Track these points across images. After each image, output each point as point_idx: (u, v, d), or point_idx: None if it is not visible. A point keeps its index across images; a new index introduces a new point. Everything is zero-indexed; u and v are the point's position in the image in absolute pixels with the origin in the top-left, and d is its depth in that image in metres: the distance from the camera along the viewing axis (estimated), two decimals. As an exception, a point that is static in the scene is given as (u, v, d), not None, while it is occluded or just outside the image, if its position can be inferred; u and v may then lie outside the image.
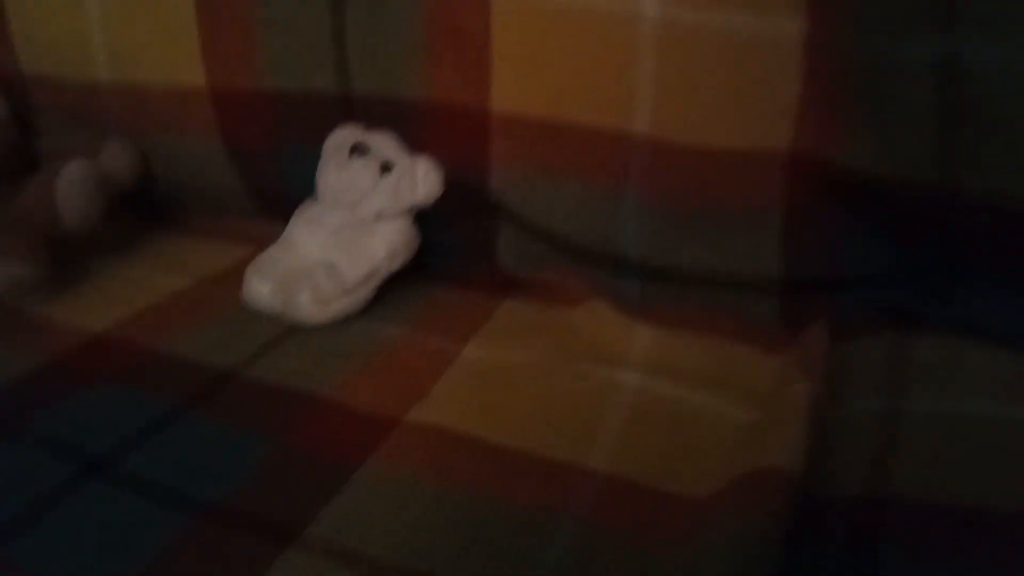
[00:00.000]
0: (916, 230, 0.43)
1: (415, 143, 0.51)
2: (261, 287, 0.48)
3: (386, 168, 0.49)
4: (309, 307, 0.46)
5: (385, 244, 0.49)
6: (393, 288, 0.50)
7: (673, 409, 0.40)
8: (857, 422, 0.37)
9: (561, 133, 0.48)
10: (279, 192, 0.58)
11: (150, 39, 0.57)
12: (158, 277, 0.54)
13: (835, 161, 0.43)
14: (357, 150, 0.49)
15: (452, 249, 0.54)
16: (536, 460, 0.36)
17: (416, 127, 0.51)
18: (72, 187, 0.53)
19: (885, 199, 0.43)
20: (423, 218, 0.52)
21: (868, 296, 0.46)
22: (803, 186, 0.44)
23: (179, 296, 0.52)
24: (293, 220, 0.52)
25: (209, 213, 0.64)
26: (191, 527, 0.32)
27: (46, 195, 0.52)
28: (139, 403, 0.40)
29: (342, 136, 0.52)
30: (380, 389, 0.41)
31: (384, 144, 0.50)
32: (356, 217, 0.49)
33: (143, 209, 0.65)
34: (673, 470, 0.36)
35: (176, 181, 0.62)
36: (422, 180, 0.49)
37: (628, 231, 0.48)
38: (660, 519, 0.33)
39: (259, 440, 0.37)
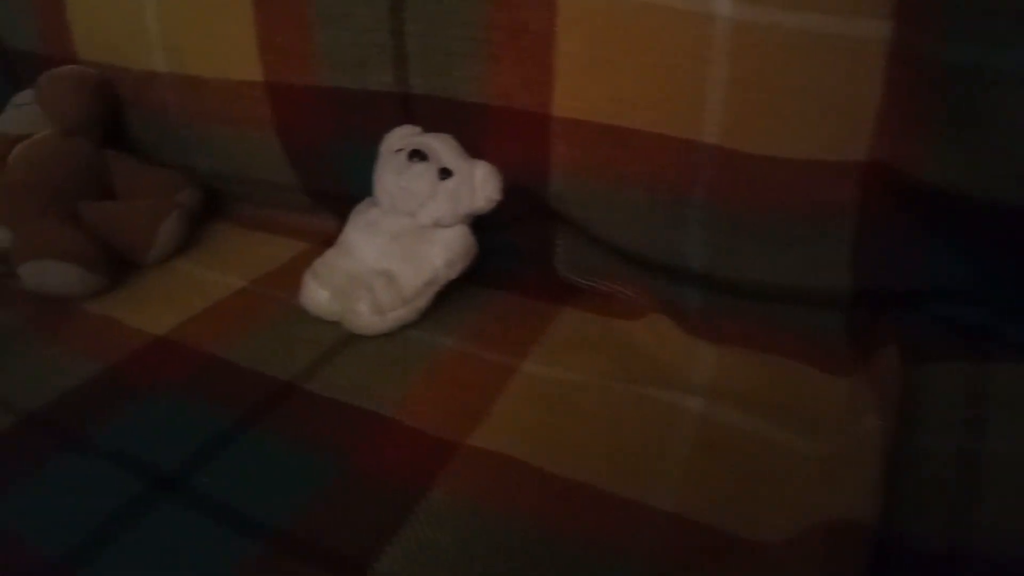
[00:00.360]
0: (998, 247, 0.41)
1: (473, 144, 0.50)
2: (319, 293, 0.48)
3: (444, 173, 0.48)
4: (368, 317, 0.46)
5: (443, 253, 0.48)
6: (450, 295, 0.50)
7: (738, 440, 0.39)
8: (934, 463, 0.35)
9: (625, 139, 0.46)
10: (334, 189, 0.57)
11: (207, 32, 0.56)
12: (215, 276, 0.54)
13: (914, 174, 0.41)
14: (416, 155, 0.48)
15: (508, 254, 0.54)
16: (600, 494, 0.35)
17: (474, 129, 0.50)
18: (171, 236, 0.57)
19: (967, 215, 0.40)
20: (478, 221, 0.51)
21: (942, 313, 0.44)
22: (878, 198, 0.42)
23: (236, 297, 0.52)
24: (351, 223, 0.51)
25: (263, 206, 0.64)
26: (261, 555, 0.33)
27: (146, 235, 0.55)
28: (202, 415, 0.41)
29: (399, 136, 0.51)
30: (441, 407, 0.41)
31: (442, 147, 0.49)
32: (414, 223, 0.49)
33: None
34: (739, 509, 0.35)
35: (231, 172, 0.62)
36: (481, 186, 0.48)
37: (691, 241, 0.47)
38: (726, 563, 0.32)
39: (323, 461, 0.38)
